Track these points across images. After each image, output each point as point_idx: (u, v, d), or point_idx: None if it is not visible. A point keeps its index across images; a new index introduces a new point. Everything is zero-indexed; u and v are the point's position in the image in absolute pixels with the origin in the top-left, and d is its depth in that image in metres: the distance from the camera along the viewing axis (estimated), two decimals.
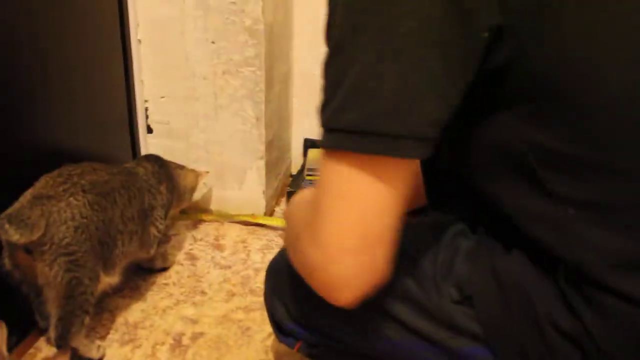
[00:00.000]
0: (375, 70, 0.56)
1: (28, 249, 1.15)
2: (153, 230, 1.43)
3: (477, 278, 0.71)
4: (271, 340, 1.34)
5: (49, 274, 1.16)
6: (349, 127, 0.58)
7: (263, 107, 1.68)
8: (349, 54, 0.58)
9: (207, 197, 1.84)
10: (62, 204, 1.17)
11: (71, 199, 1.18)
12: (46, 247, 1.14)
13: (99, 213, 1.23)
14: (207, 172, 1.70)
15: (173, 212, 1.63)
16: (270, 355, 1.30)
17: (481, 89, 0.60)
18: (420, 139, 0.57)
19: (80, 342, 1.24)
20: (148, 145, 1.80)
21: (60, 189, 1.19)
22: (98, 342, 1.29)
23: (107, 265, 1.27)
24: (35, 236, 1.12)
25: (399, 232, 0.62)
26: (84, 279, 1.19)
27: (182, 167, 1.62)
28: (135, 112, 1.73)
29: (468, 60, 0.58)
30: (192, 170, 1.66)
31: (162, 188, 1.48)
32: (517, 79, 0.60)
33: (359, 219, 0.59)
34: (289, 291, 0.88)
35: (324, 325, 0.85)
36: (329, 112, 0.60)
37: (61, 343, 1.19)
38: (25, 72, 1.28)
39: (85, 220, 1.19)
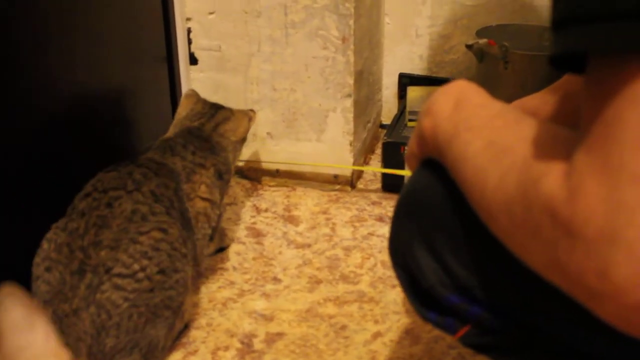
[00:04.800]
0: None
1: None
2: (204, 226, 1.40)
3: None
4: (378, 342, 1.28)
5: None
6: None
7: (352, 22, 1.63)
8: None
9: (271, 153, 1.81)
10: (92, 310, 1.15)
11: (98, 296, 1.15)
12: None
13: (152, 291, 1.20)
14: (253, 110, 1.63)
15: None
16: None
17: None
18: None
19: None
20: (191, 81, 1.77)
21: (70, 293, 1.16)
22: None
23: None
24: None
25: None
26: None
27: (228, 118, 1.55)
28: (174, 36, 1.71)
29: None
30: (243, 113, 1.60)
31: (203, 178, 1.41)
32: None
33: None
34: (456, 239, 0.76)
35: (527, 304, 0.72)
36: None
37: None
38: None
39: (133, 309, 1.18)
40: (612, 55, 0.50)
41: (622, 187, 0.49)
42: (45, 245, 1.20)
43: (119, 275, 1.16)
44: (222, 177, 1.45)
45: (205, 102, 1.55)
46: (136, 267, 1.17)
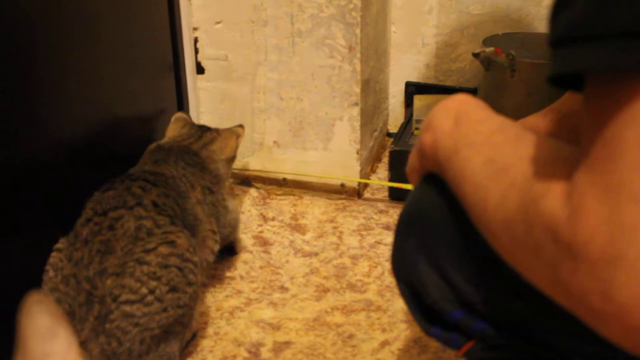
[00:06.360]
0: None
1: None
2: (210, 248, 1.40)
3: None
4: (385, 351, 1.28)
5: None
6: None
7: (358, 31, 1.63)
8: None
9: (278, 162, 1.81)
10: (102, 339, 1.15)
11: (107, 326, 1.15)
12: None
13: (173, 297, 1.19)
14: (242, 126, 1.63)
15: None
16: None
17: None
18: None
19: None
20: (198, 90, 1.78)
21: (79, 326, 1.15)
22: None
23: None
24: None
25: None
26: None
27: (215, 138, 1.54)
28: (181, 45, 1.72)
29: None
30: (230, 132, 1.59)
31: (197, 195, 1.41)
32: None
33: None
34: (458, 255, 0.76)
35: (531, 319, 0.72)
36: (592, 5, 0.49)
37: None
38: None
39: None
40: (611, 74, 0.50)
41: (623, 207, 0.48)
42: (51, 272, 1.18)
43: (127, 302, 1.14)
44: (211, 190, 1.44)
45: (192, 125, 1.54)
46: (144, 290, 1.15)
